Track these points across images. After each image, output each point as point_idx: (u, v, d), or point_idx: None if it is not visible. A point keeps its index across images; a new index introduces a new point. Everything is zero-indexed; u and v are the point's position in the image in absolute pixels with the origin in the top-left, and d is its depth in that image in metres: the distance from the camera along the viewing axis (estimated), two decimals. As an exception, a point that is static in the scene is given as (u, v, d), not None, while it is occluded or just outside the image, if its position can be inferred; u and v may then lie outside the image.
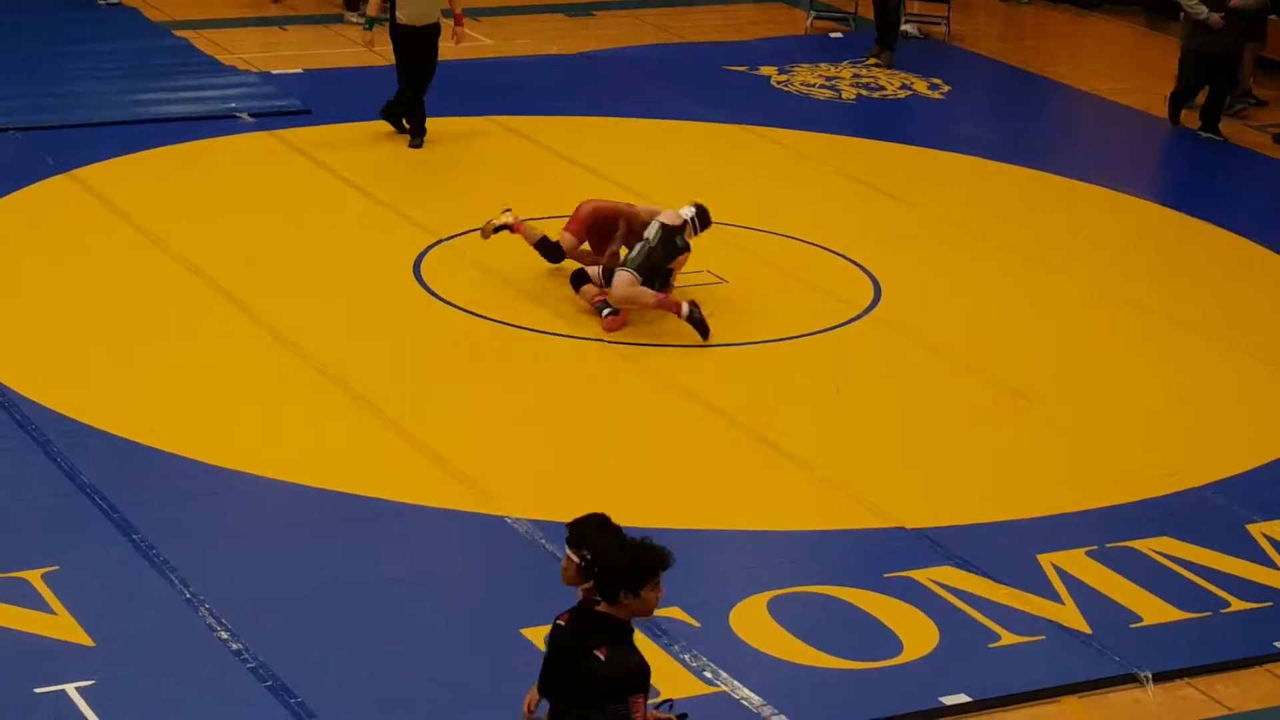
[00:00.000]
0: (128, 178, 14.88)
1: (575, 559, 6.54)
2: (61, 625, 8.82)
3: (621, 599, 6.41)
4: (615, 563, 6.43)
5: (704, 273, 13.15)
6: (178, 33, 18.90)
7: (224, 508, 10.13)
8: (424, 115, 15.69)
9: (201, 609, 8.97)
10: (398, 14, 15.50)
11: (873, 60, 18.91)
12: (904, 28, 19.75)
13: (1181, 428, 11.55)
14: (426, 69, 15.58)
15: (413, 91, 15.60)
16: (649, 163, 15.69)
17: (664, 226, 12.49)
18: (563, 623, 6.57)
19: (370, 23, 16.00)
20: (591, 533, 6.56)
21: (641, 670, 6.45)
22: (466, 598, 9.39)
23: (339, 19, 19.84)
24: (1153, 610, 9.45)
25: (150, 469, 10.42)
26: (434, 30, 15.55)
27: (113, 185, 14.63)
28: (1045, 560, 9.83)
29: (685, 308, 12.25)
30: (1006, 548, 9.96)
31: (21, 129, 15.69)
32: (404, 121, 15.78)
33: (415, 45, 15.51)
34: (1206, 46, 16.88)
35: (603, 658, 6.38)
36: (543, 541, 9.75)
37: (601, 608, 6.51)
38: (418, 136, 15.69)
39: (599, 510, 6.70)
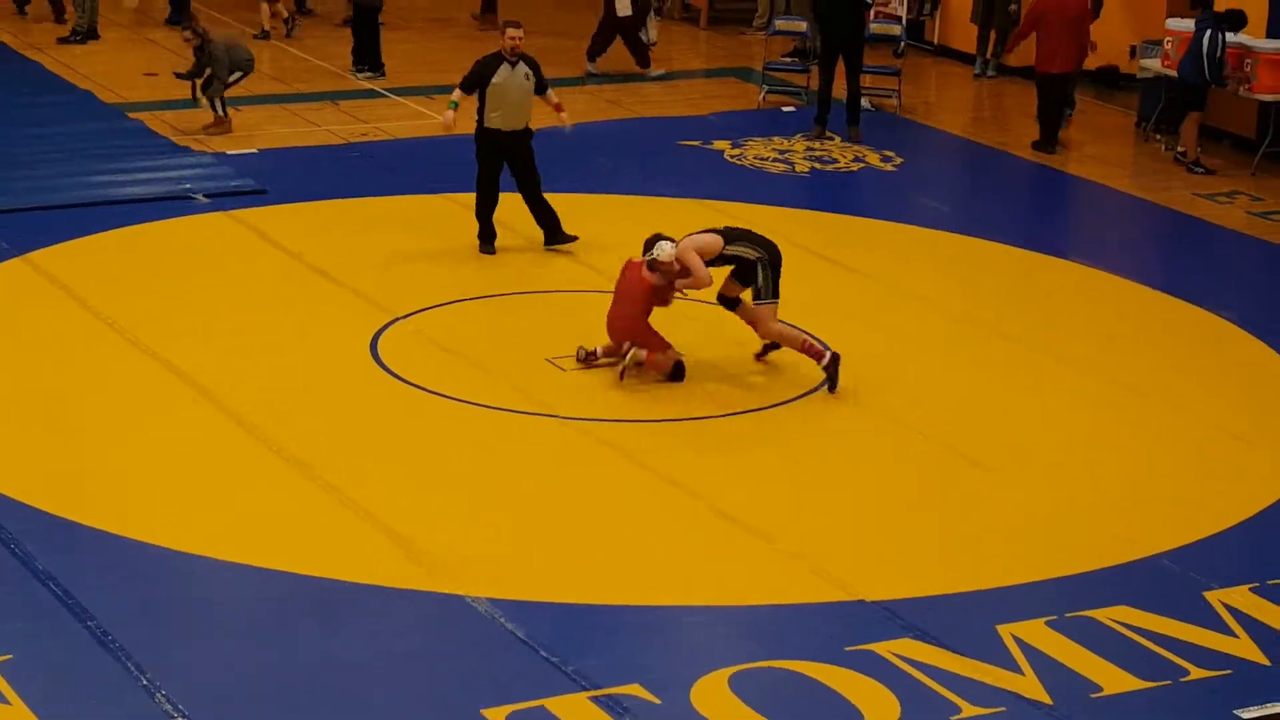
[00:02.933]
0: (82, 261, 14.85)
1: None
2: (16, 716, 8.73)
3: None
4: None
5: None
6: (132, 115, 18.93)
7: (180, 592, 10.06)
8: (554, 213, 15.33)
9: (158, 695, 8.90)
10: (488, 117, 14.99)
11: (854, 134, 18.92)
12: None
13: (1137, 495, 11.58)
14: (530, 171, 15.17)
15: (531, 198, 15.23)
16: (605, 238, 15.73)
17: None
18: None
19: (455, 104, 15.25)
20: None
21: None
22: (426, 678, 9.34)
23: (292, 98, 19.89)
24: (1113, 680, 9.45)
25: (105, 554, 10.35)
26: (526, 134, 15.14)
27: (67, 269, 14.60)
28: (1005, 631, 9.84)
29: (828, 356, 12.56)
30: (966, 619, 9.96)
31: (-25, 213, 15.69)
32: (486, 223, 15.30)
33: (505, 151, 15.07)
34: None
35: None
36: (503, 620, 9.71)
37: None
38: (556, 237, 15.37)
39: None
